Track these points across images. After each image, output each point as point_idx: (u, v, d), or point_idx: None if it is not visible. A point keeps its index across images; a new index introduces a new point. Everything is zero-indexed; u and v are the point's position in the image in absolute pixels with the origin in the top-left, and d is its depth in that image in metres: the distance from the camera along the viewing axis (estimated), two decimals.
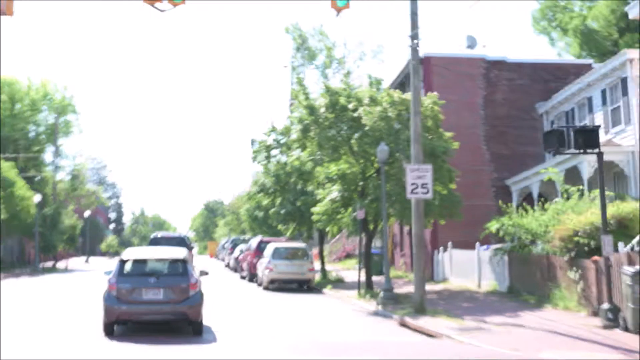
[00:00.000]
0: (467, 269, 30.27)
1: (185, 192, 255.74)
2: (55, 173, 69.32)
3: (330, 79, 75.26)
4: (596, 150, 18.50)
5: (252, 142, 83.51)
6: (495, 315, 20.48)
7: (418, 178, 22.19)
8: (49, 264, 63.00)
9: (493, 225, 27.44)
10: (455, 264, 31.86)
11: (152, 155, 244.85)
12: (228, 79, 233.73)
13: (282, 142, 40.81)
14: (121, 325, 17.72)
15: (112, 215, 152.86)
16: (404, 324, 20.31)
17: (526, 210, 25.80)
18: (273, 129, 40.95)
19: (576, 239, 20.72)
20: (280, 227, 41.07)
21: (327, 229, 32.08)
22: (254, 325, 20.26)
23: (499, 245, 28.28)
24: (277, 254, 33.15)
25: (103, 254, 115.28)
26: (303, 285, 33.74)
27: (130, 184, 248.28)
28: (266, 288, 33.02)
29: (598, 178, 18.89)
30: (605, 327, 17.33)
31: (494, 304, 23.65)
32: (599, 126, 19.60)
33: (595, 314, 19.06)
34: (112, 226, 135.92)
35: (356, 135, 27.54)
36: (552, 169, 27.69)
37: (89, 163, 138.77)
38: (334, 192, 29.88)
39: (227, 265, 57.19)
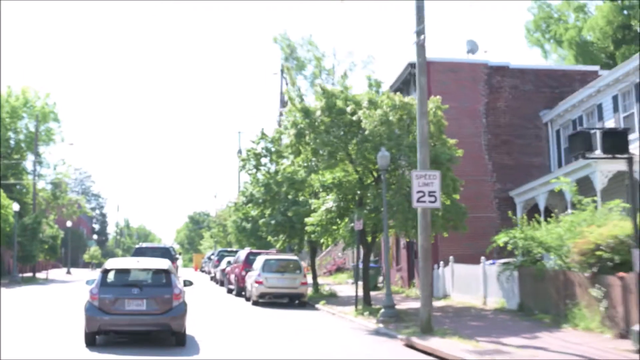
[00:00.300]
0: (471, 284, 28.47)
1: (171, 204, 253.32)
2: (37, 182, 67.01)
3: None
4: (626, 155, 16.74)
5: (239, 152, 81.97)
6: (510, 336, 18.63)
7: (425, 185, 20.43)
8: (29, 274, 60.88)
9: (501, 238, 25.69)
10: (457, 279, 30.04)
11: (138, 166, 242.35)
12: (215, 88, 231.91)
13: (272, 150, 39.04)
14: (103, 335, 17.13)
15: (96, 226, 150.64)
16: (410, 345, 18.46)
17: (538, 222, 24.03)
18: (263, 136, 39.17)
19: (598, 253, 18.91)
20: (269, 238, 39.15)
21: (322, 241, 30.14)
22: (241, 343, 18.47)
23: (507, 260, 26.50)
24: (267, 266, 31.21)
25: (86, 264, 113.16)
26: (294, 300, 31.91)
27: (115, 195, 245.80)
28: (255, 303, 31.06)
29: (629, 185, 17.21)
30: (639, 351, 15.53)
31: (505, 323, 21.82)
32: (628, 128, 17.87)
33: (622, 336, 17.27)
34: (95, 237, 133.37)
35: (354, 141, 25.70)
36: (563, 178, 25.93)
37: (72, 173, 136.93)
38: (329, 201, 28.04)
39: (213, 278, 55.08)
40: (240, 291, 36.01)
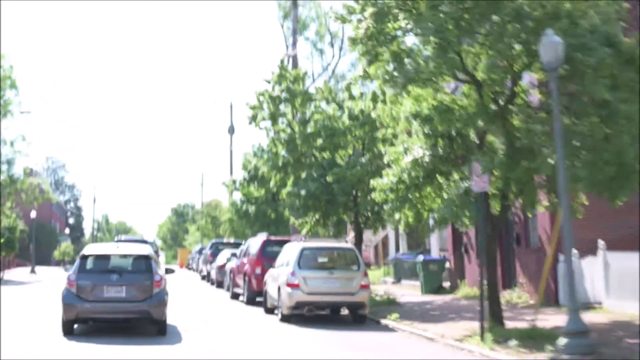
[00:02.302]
0: None
1: (153, 197, 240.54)
2: None
3: (326, 52, 63.60)
4: None
5: (231, 129, 69.90)
6: None
7: None
8: None
9: None
10: (616, 278, 18.48)
11: (117, 155, 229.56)
12: (199, 69, 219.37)
13: (295, 93, 27.39)
14: (81, 324, 16.64)
15: (71, 220, 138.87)
16: None
17: None
18: (283, 72, 27.46)
19: None
20: (292, 220, 27.49)
21: (398, 217, 18.25)
22: None
23: None
24: (305, 259, 19.41)
25: (57, 262, 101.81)
26: (339, 311, 20.56)
27: (92, 187, 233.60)
28: (286, 318, 19.37)
29: None
30: None
31: None
32: None
33: None
34: (68, 231, 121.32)
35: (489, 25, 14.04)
36: None
37: (44, 162, 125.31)
38: (418, 148, 16.42)
39: (206, 278, 42.73)
40: (254, 297, 24.50)
